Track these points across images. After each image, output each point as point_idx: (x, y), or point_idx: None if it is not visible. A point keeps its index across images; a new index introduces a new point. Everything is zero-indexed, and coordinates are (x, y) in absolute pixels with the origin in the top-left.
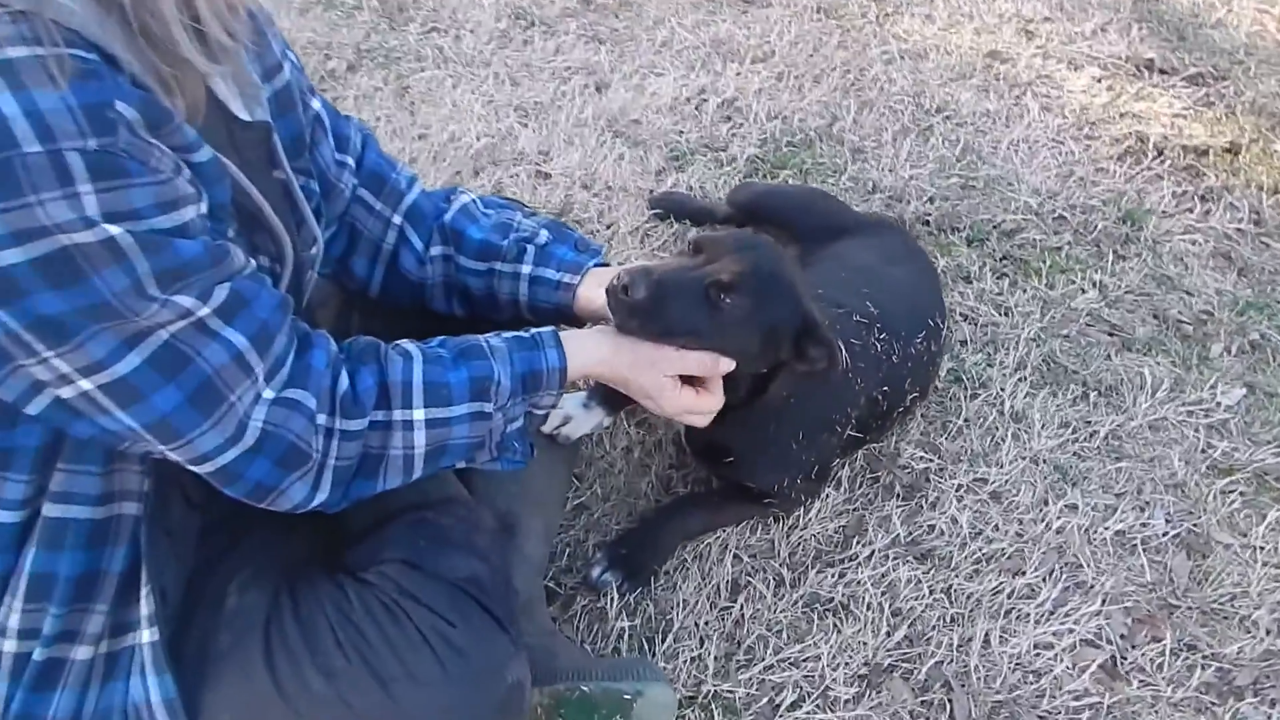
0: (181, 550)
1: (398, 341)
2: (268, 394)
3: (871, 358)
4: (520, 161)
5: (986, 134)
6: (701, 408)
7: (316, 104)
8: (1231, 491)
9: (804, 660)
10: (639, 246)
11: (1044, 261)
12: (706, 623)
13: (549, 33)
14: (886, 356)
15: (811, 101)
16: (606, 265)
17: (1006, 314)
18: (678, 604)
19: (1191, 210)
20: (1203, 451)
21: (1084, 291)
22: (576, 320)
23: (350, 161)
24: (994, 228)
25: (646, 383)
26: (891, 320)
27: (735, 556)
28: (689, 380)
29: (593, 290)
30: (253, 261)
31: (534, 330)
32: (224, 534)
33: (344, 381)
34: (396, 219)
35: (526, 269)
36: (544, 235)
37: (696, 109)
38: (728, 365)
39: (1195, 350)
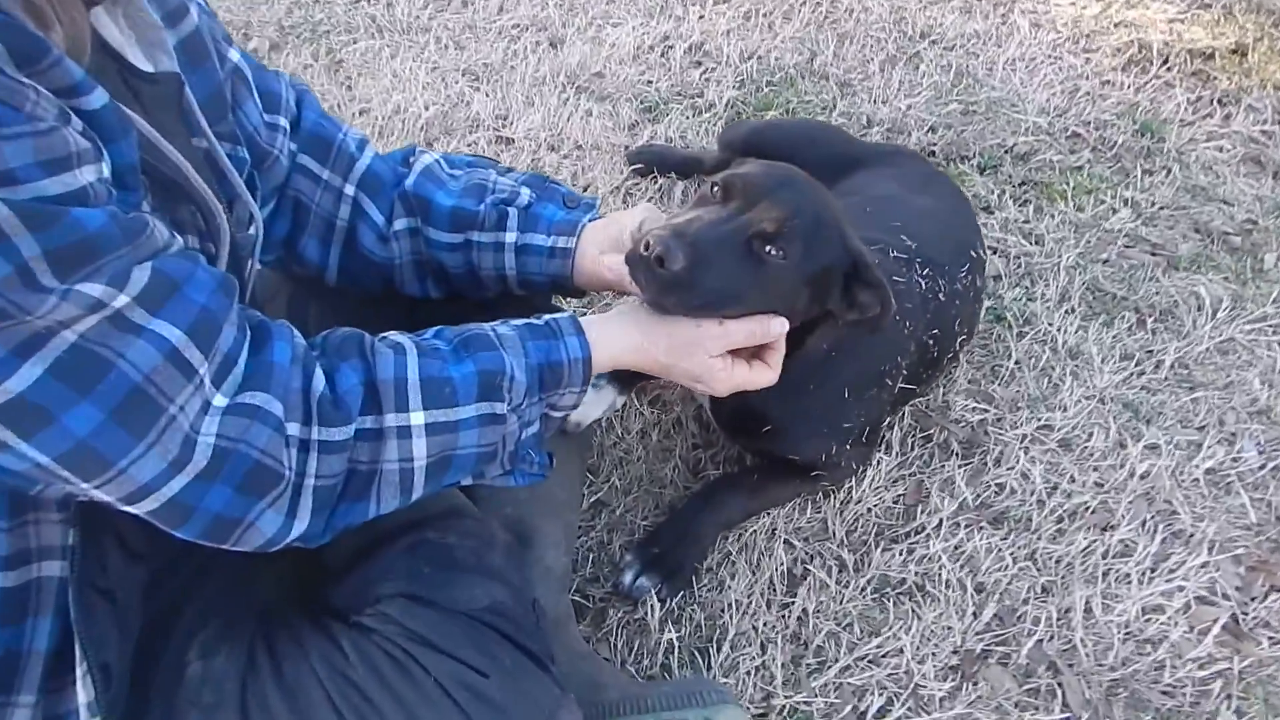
0: (124, 614)
1: (385, 334)
2: (219, 400)
3: (917, 297)
4: (477, 128)
5: (978, 56)
6: (759, 381)
7: (235, 55)
8: None
9: (885, 656)
10: (621, 207)
11: (1067, 183)
12: (765, 624)
13: None
14: (933, 294)
15: (785, 39)
16: (601, 218)
17: (1038, 243)
18: (729, 606)
19: (1211, 116)
20: (1278, 372)
21: (1115, 211)
22: (577, 291)
23: (283, 123)
24: (1006, 152)
25: (692, 367)
26: (932, 253)
27: (786, 543)
28: (736, 349)
29: (592, 252)
30: (179, 239)
31: (549, 316)
32: (175, 585)
33: (319, 381)
34: (349, 189)
35: (511, 237)
36: (526, 194)
37: (663, 56)
38: (782, 326)
39: (1247, 262)
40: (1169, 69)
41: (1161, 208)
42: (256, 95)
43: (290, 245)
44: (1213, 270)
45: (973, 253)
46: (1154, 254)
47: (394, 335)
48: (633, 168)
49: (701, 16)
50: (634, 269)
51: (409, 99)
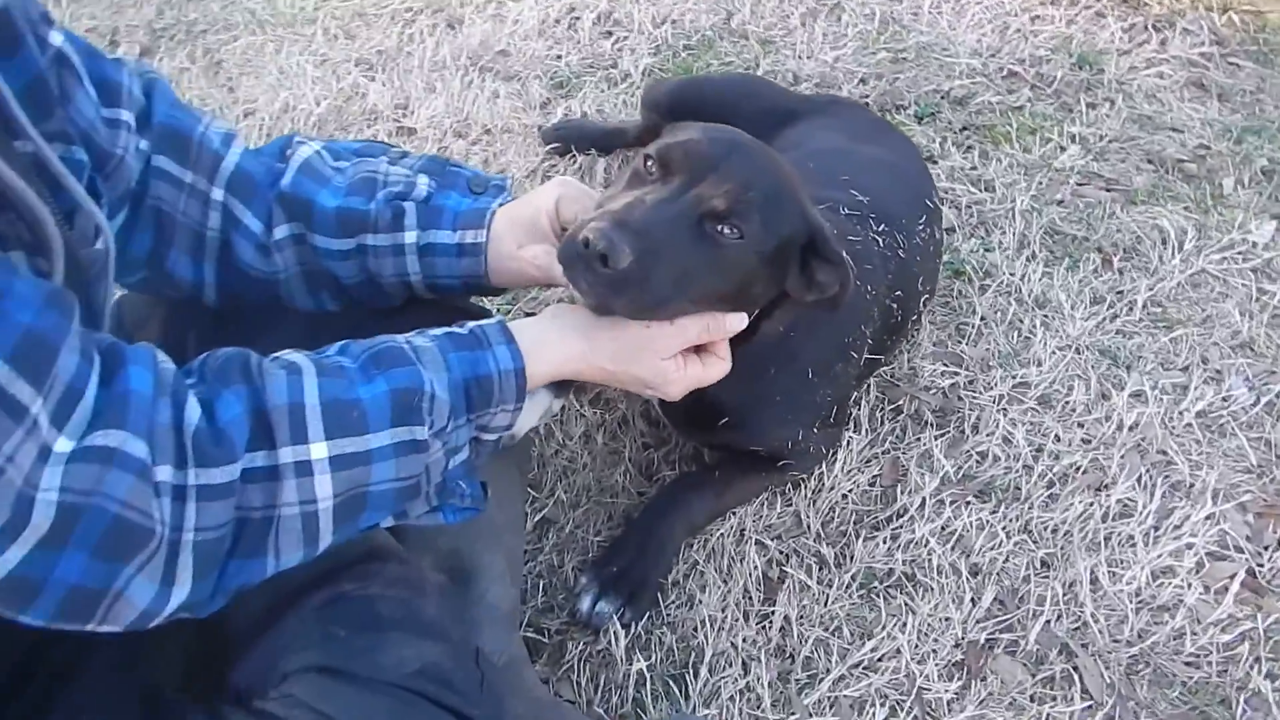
0: None
1: (278, 353)
2: (61, 445)
3: (876, 256)
4: (375, 120)
5: (901, 1)
6: (712, 376)
7: (58, 38)
8: None
9: (881, 660)
10: None
11: (1010, 125)
12: (745, 639)
13: None
14: (892, 252)
15: (697, 0)
16: (513, 200)
17: (988, 189)
18: (702, 623)
19: (1147, 43)
20: (1257, 301)
21: (1063, 149)
22: (495, 290)
23: (126, 117)
24: (942, 97)
25: (642, 373)
26: (886, 207)
27: (758, 544)
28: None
29: (508, 245)
30: None
31: (473, 323)
32: (33, 689)
33: (193, 412)
34: (217, 193)
35: (410, 237)
36: (424, 184)
37: (570, 29)
38: (739, 323)
39: (1206, 190)
40: None
41: (1111, 140)
42: (89, 85)
43: (156, 263)
44: (1171, 201)
45: (928, 202)
46: (1109, 190)
47: (288, 354)
48: (549, 147)
49: None
50: (571, 269)
51: (298, 95)
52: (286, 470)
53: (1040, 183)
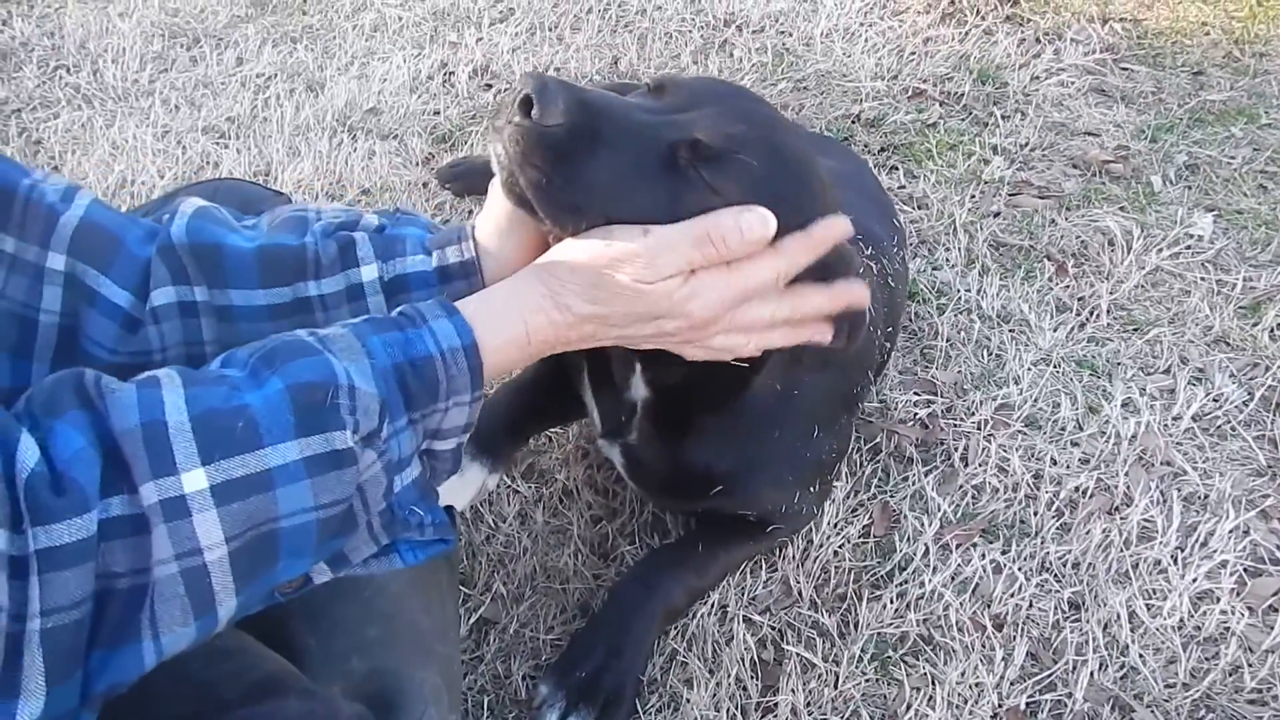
0: None
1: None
2: None
3: (873, 286)
4: None
5: (791, 34)
6: (754, 289)
7: None
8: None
9: None
10: None
11: (928, 141)
12: None
13: (221, 44)
14: (883, 280)
15: (579, 48)
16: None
17: (922, 206)
18: None
19: (1041, 54)
20: (1219, 293)
21: (987, 162)
22: None
23: None
24: (853, 121)
25: (634, 305)
26: (867, 226)
27: (746, 621)
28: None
29: (498, 248)
30: None
31: (402, 306)
32: None
33: (27, 454)
34: (55, 260)
35: (370, 272)
36: (372, 217)
37: (445, 84)
38: (763, 220)
39: (1138, 189)
40: (982, 18)
41: (1032, 149)
42: None
43: None
44: (1106, 202)
45: (895, 222)
46: (1042, 197)
47: (147, 372)
48: (446, 187)
49: (480, 39)
50: (498, 130)
51: (137, 168)
52: (153, 513)
53: (973, 195)
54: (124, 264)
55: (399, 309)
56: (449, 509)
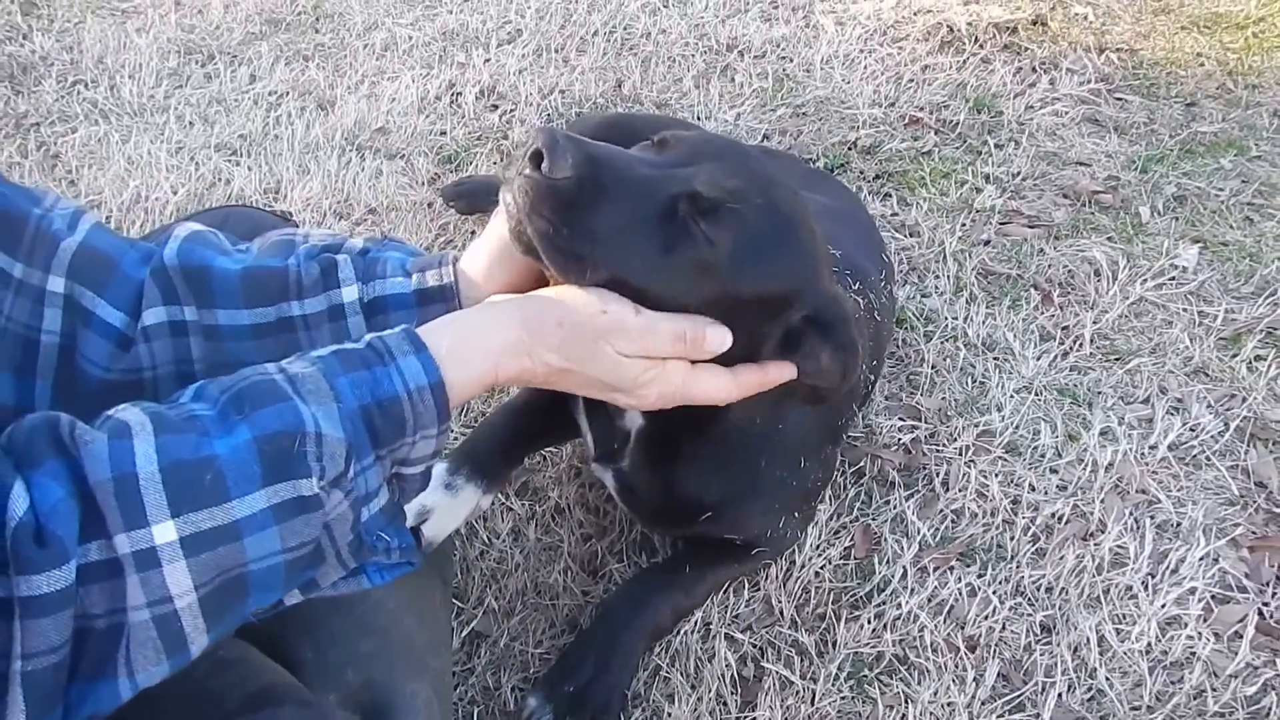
0: None
1: (108, 411)
2: None
3: (861, 320)
4: (243, 205)
5: (792, 60)
6: (711, 391)
7: None
8: (1259, 358)
9: None
10: None
11: (922, 169)
12: None
13: (235, 61)
14: (870, 313)
15: (584, 70)
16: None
17: (913, 234)
18: None
19: (1037, 84)
20: (1200, 325)
21: (979, 190)
22: None
23: None
24: (849, 148)
25: (600, 372)
26: (857, 261)
27: (728, 639)
28: None
29: (480, 277)
30: None
31: (372, 336)
32: None
33: (17, 501)
34: (55, 283)
35: (350, 293)
36: (357, 240)
37: (453, 104)
38: (722, 338)
39: (1126, 220)
40: (980, 46)
41: (1024, 179)
42: None
43: None
44: (1094, 233)
45: (884, 256)
46: (1032, 226)
47: (121, 410)
48: (451, 206)
49: (488, 60)
50: (508, 182)
51: (151, 184)
52: (126, 564)
53: (964, 224)
54: (119, 286)
55: (368, 341)
56: (415, 530)
